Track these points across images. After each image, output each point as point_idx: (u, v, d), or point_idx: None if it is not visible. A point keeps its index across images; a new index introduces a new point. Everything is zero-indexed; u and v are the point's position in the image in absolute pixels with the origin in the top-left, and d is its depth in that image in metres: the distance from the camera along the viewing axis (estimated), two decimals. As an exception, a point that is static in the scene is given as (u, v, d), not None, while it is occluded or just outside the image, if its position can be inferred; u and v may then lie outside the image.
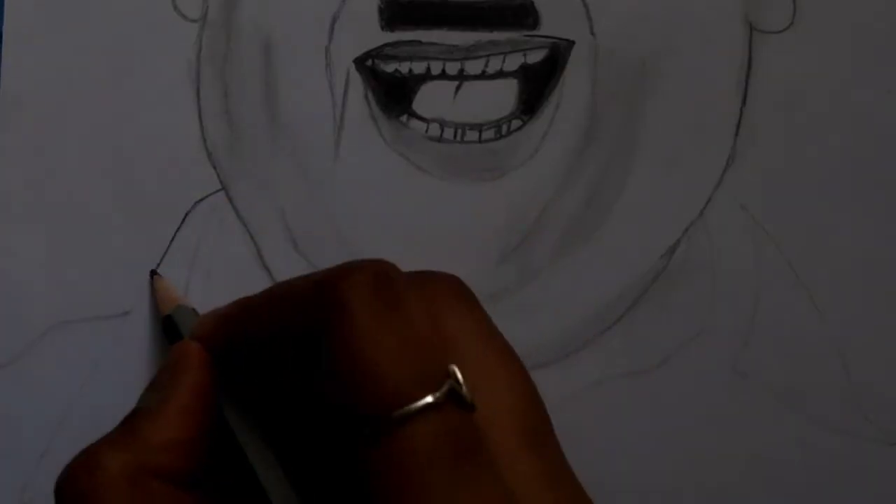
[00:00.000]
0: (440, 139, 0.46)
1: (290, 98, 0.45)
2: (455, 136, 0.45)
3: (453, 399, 0.31)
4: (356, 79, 0.45)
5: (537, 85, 0.46)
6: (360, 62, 0.45)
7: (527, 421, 0.34)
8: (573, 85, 0.46)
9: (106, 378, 0.45)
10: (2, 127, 0.45)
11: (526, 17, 0.45)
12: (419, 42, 0.45)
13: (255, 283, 0.45)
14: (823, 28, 0.46)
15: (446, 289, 0.36)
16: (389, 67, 0.45)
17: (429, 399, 0.30)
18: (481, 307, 0.36)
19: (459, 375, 0.31)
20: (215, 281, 0.45)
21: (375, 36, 0.45)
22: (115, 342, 0.45)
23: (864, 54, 0.46)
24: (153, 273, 0.45)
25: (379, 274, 0.32)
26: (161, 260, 0.45)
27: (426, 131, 0.45)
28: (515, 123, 0.46)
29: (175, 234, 0.45)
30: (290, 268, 0.45)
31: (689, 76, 0.46)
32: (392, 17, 0.45)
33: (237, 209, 0.45)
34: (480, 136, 0.46)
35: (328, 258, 0.46)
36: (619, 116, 0.46)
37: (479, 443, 0.31)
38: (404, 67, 0.45)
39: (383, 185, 0.46)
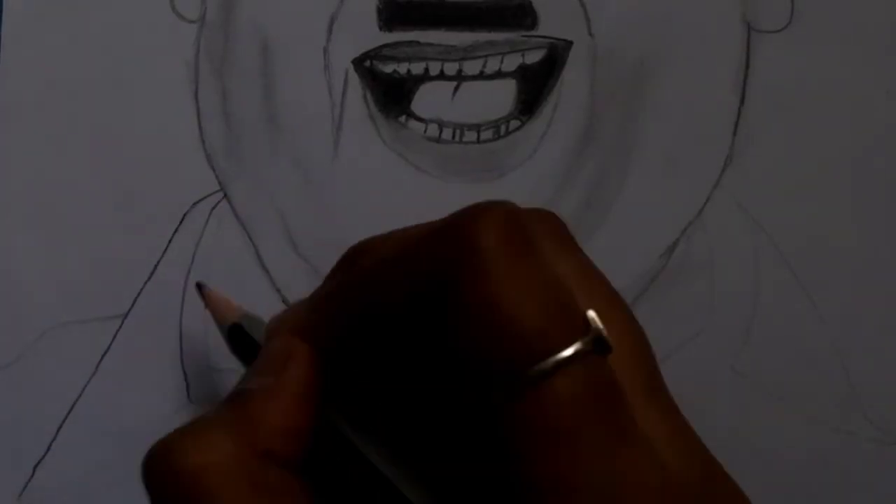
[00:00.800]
0: (439, 139, 0.46)
1: (289, 99, 0.45)
2: (453, 136, 0.46)
3: (597, 345, 0.29)
4: (354, 79, 0.45)
5: (535, 85, 0.46)
6: (358, 63, 0.45)
7: (643, 367, 0.32)
8: (571, 85, 0.46)
9: (106, 379, 0.45)
10: (0, 128, 0.45)
11: (524, 18, 0.46)
12: (417, 42, 0.45)
13: (254, 285, 0.46)
14: (821, 27, 0.46)
15: (551, 228, 0.33)
16: (388, 68, 0.45)
17: (578, 346, 0.28)
18: (580, 248, 0.34)
19: (597, 319, 0.29)
20: (213, 282, 0.45)
21: (374, 36, 0.45)
22: (114, 343, 0.45)
23: (862, 54, 0.47)
24: (200, 286, 0.44)
25: (509, 215, 0.30)
26: (159, 261, 0.45)
27: (425, 132, 0.46)
28: (514, 124, 0.46)
29: (173, 235, 0.45)
30: (289, 269, 0.46)
31: (687, 76, 0.46)
32: (390, 17, 0.45)
33: (236, 210, 0.46)
34: (479, 136, 0.46)
35: (327, 259, 0.46)
36: (617, 116, 0.46)
37: (622, 391, 0.29)
38: (402, 68, 0.45)
39: (382, 185, 0.46)
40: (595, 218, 0.46)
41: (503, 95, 0.46)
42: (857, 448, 0.46)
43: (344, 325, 0.33)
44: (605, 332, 0.29)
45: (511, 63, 0.46)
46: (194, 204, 0.45)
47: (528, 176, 0.46)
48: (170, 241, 0.45)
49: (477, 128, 0.46)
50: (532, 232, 0.30)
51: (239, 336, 0.40)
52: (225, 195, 0.46)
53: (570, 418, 0.28)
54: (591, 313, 0.29)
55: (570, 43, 0.46)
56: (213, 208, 0.46)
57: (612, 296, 0.33)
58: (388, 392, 0.33)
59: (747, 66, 0.46)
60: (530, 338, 0.28)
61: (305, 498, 0.32)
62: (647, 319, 0.46)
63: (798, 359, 0.46)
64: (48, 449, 0.44)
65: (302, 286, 0.46)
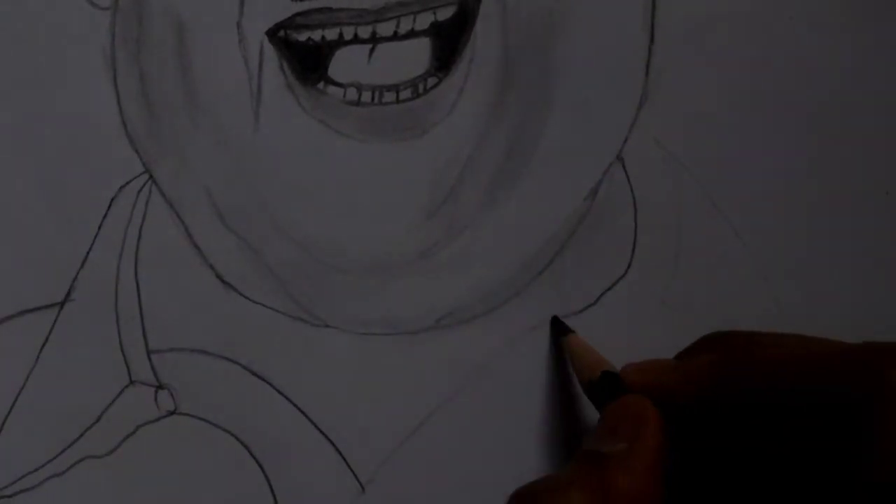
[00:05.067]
0: (358, 103, 0.47)
1: (206, 75, 0.46)
2: (373, 98, 0.47)
3: None
4: (270, 50, 0.46)
5: (449, 41, 0.47)
6: (272, 34, 0.46)
7: None
8: (484, 38, 0.47)
9: (47, 371, 0.46)
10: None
11: (432, -24, 0.46)
12: (329, 9, 0.46)
13: (185, 263, 0.47)
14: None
15: None
16: (302, 36, 0.46)
17: None
18: None
19: None
20: (145, 264, 0.47)
21: (286, 6, 0.46)
22: (52, 332, 0.46)
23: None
24: (566, 332, 0.47)
25: None
26: (90, 247, 0.46)
27: (344, 96, 0.47)
28: (431, 81, 0.47)
29: (102, 221, 0.46)
30: (219, 244, 0.47)
31: (597, 20, 0.48)
32: (300, -15, 0.46)
33: (163, 190, 0.47)
34: (398, 96, 0.47)
35: (256, 230, 0.47)
36: (531, 65, 0.47)
37: None
38: (317, 35, 0.46)
39: (305, 152, 0.47)
40: (518, 166, 0.48)
41: (418, 54, 0.47)
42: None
43: (722, 401, 0.36)
44: None
45: (423, 21, 0.47)
46: (121, 188, 0.46)
47: (450, 131, 0.47)
48: (100, 227, 0.46)
49: (395, 88, 0.47)
50: None
51: (603, 386, 0.42)
52: (151, 176, 0.46)
53: None
54: None
55: (480, -3, 0.47)
56: (140, 190, 0.46)
57: None
58: (745, 473, 0.36)
59: (654, 5, 0.48)
60: None
61: None
62: (576, 262, 0.48)
63: (724, 288, 0.48)
64: (-5, 446, 0.45)
65: (233, 260, 0.47)
